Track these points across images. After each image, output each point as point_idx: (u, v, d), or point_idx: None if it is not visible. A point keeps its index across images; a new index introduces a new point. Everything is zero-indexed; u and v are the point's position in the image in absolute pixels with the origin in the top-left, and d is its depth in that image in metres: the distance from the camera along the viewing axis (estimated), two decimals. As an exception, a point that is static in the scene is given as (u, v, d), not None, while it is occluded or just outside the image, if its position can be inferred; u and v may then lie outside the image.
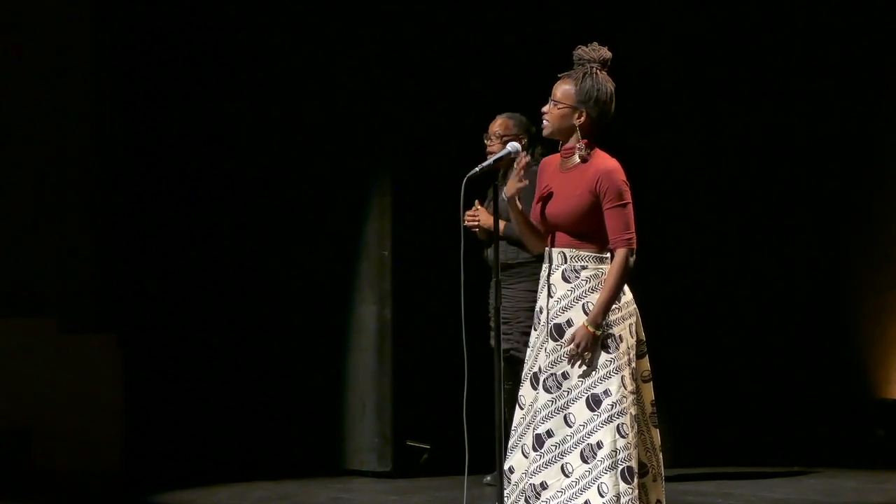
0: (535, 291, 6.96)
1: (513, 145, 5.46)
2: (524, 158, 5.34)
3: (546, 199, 5.29)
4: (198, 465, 9.15)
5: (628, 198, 5.20)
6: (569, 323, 5.18)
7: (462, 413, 5.27)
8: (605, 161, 5.25)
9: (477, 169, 5.29)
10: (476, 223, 7.39)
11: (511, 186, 5.31)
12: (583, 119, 5.24)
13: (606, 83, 5.25)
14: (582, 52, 5.28)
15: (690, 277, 9.69)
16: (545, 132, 5.34)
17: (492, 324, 7.45)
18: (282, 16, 9.40)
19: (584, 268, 5.21)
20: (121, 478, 9.01)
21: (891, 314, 10.51)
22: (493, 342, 7.42)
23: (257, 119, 9.52)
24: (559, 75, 5.30)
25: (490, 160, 5.49)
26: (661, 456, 5.30)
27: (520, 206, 5.34)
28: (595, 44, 5.31)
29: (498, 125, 7.58)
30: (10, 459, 8.92)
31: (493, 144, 7.55)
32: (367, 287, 8.84)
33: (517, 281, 7.33)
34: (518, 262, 7.38)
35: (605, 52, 5.29)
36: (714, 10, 9.95)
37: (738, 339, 10.02)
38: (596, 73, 5.24)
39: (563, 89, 5.25)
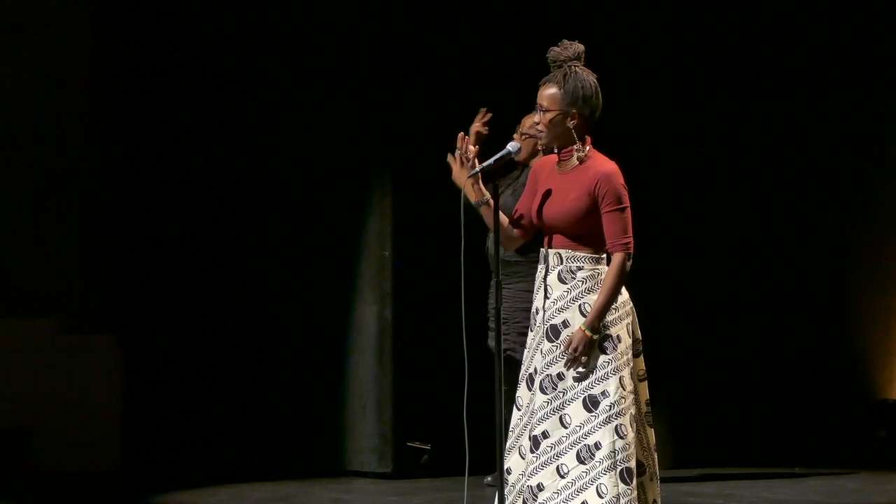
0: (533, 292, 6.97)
1: (513, 145, 5.41)
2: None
3: (543, 200, 5.25)
4: (198, 465, 9.14)
5: (627, 202, 5.15)
6: (564, 324, 5.15)
7: (462, 414, 5.25)
8: (604, 164, 5.20)
9: (477, 169, 5.26)
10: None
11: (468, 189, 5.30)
12: (576, 121, 5.20)
13: (588, 76, 5.20)
14: (555, 52, 5.22)
15: (692, 278, 9.67)
16: (542, 143, 5.28)
17: (491, 324, 7.43)
18: (282, 16, 9.39)
19: (580, 269, 5.17)
20: (120, 478, 9.00)
21: (892, 315, 10.50)
22: (490, 342, 7.40)
23: (257, 119, 9.51)
24: (540, 83, 5.25)
25: (490, 160, 5.46)
26: (656, 455, 5.28)
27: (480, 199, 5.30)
28: (565, 41, 5.26)
29: (529, 124, 7.52)
30: (9, 460, 8.90)
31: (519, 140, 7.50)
32: (368, 287, 8.82)
33: (515, 281, 7.31)
34: (516, 261, 7.35)
35: (578, 46, 5.23)
36: (715, 8, 9.94)
37: (739, 339, 10.00)
38: (576, 71, 5.18)
39: (549, 95, 5.18)
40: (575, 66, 5.19)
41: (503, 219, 5.35)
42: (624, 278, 5.12)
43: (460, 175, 5.26)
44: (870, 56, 10.45)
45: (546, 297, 5.22)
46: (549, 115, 5.19)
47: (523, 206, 5.36)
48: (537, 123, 5.23)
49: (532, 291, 7.03)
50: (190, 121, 9.66)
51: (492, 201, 5.27)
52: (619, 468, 5.03)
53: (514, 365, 6.97)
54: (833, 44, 10.33)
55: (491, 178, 6.80)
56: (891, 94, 10.47)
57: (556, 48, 5.23)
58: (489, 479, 7.71)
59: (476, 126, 7.49)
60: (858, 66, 10.43)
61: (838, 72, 10.37)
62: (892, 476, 8.98)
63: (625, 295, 5.20)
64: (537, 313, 5.26)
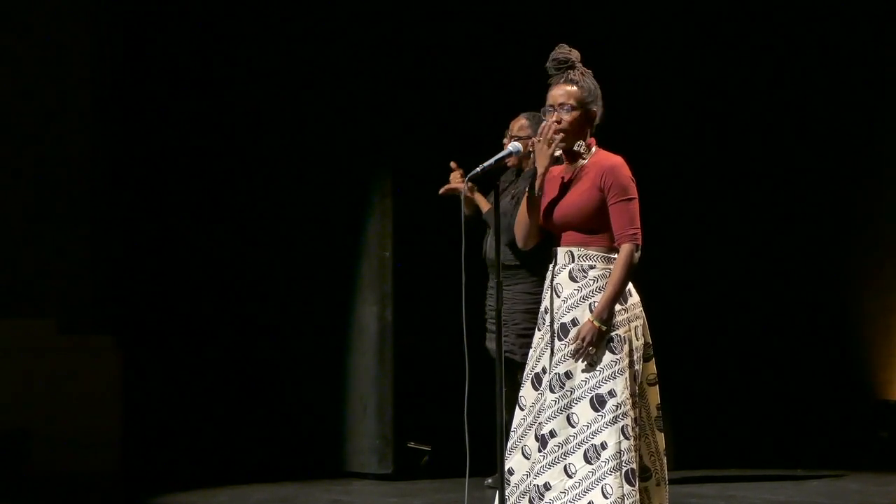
0: (533, 294, 6.95)
1: (514, 145, 5.40)
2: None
3: (552, 201, 5.23)
4: (197, 467, 9.13)
5: (634, 193, 5.14)
6: (574, 322, 5.12)
7: (463, 415, 5.22)
8: (609, 157, 5.20)
9: (478, 169, 5.24)
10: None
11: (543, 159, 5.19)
12: (594, 118, 5.19)
13: (593, 78, 5.22)
14: (560, 54, 5.21)
15: (692, 279, 9.66)
16: (563, 144, 5.20)
17: (488, 325, 7.41)
18: (283, 17, 9.37)
19: (591, 267, 5.15)
20: (119, 479, 8.99)
21: (893, 316, 10.49)
22: (488, 344, 7.37)
23: (257, 121, 9.50)
24: (552, 83, 5.21)
25: (491, 160, 5.44)
26: (664, 460, 5.25)
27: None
28: (563, 45, 5.24)
29: (516, 127, 7.52)
30: (9, 461, 8.89)
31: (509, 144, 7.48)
32: (368, 288, 8.80)
33: (515, 283, 7.27)
34: (515, 264, 7.32)
35: (576, 52, 5.24)
36: (719, 7, 9.94)
37: (740, 341, 9.99)
38: (585, 70, 5.19)
39: (570, 93, 5.15)
40: (581, 67, 5.19)
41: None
42: (632, 270, 5.09)
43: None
44: (872, 59, 10.42)
45: (556, 296, 5.19)
46: (576, 114, 5.15)
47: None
48: (558, 122, 5.16)
49: (532, 293, 7.05)
50: (189, 121, 9.64)
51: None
52: (623, 469, 5.00)
53: (512, 367, 6.95)
54: (836, 45, 10.32)
55: (493, 178, 6.80)
56: (892, 97, 10.45)
57: (558, 51, 5.21)
58: (490, 480, 7.68)
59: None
60: (860, 68, 10.41)
61: (840, 74, 10.35)
62: (894, 477, 8.95)
63: (635, 297, 5.18)
64: (546, 313, 5.23)
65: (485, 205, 7.41)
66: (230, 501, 8.04)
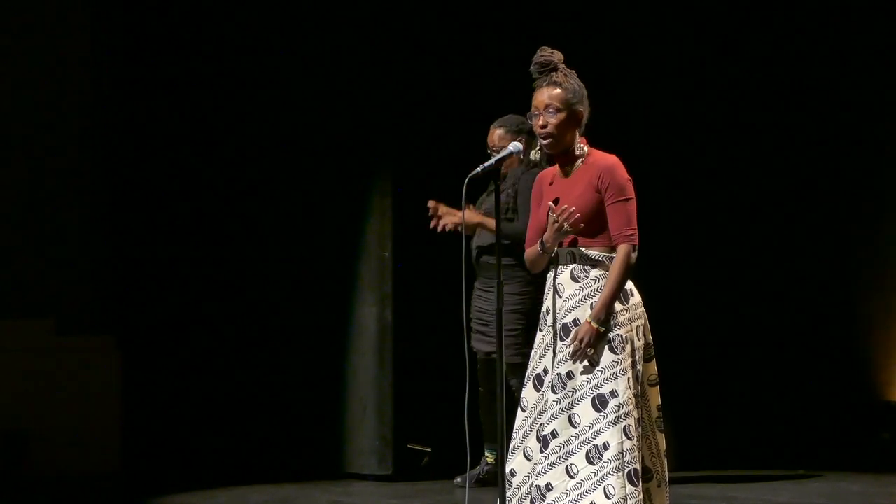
0: (519, 294, 6.94)
1: (514, 145, 5.41)
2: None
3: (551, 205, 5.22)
4: (196, 468, 9.11)
5: (631, 193, 5.15)
6: (575, 322, 5.12)
7: (463, 416, 5.21)
8: (605, 157, 5.21)
9: (478, 169, 5.24)
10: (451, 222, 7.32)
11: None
12: (581, 119, 5.19)
13: (577, 78, 5.21)
14: (542, 57, 5.21)
15: (694, 279, 9.64)
16: (551, 147, 5.20)
17: (473, 325, 7.37)
18: (283, 15, 9.36)
19: (593, 267, 5.15)
20: (118, 481, 8.97)
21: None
22: (475, 344, 7.33)
23: (257, 120, 9.49)
24: (535, 86, 5.20)
25: (492, 160, 5.44)
26: (665, 461, 5.25)
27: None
28: (545, 48, 5.24)
29: (495, 137, 7.54)
30: (7, 461, 8.86)
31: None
32: (368, 288, 8.78)
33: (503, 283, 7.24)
34: (504, 265, 7.29)
35: (559, 53, 5.23)
36: (722, 6, 9.93)
37: (742, 341, 9.97)
38: (568, 71, 5.19)
39: (556, 95, 5.16)
40: (565, 68, 5.19)
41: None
42: (629, 270, 5.10)
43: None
44: (873, 58, 10.41)
45: (558, 297, 5.19)
46: (561, 116, 5.15)
47: (536, 222, 5.30)
48: (544, 126, 5.17)
49: (518, 294, 7.03)
50: (189, 121, 9.63)
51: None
52: (626, 469, 4.99)
53: (494, 367, 6.92)
54: (840, 43, 10.30)
55: (493, 179, 6.79)
56: (894, 96, 10.44)
57: (542, 53, 5.21)
58: (458, 479, 7.72)
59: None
60: (863, 65, 10.39)
61: (843, 71, 10.34)
62: (895, 478, 8.94)
63: (637, 297, 5.18)
64: (548, 313, 5.22)
65: (491, 223, 7.28)
66: (229, 502, 8.03)
